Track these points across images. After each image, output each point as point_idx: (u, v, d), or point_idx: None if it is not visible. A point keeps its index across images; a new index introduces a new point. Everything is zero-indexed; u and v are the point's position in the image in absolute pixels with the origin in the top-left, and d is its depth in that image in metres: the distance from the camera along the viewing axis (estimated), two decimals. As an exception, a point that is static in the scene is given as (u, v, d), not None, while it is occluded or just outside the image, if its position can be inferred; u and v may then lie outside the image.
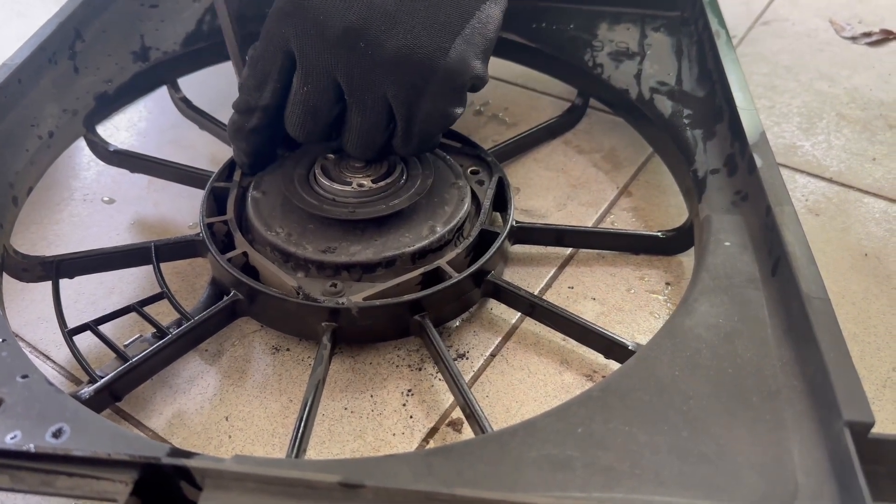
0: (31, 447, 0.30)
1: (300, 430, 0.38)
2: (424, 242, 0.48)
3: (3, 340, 0.37)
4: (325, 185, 0.50)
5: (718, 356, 0.36)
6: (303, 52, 0.44)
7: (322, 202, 0.49)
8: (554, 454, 0.31)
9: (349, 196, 0.48)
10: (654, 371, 0.35)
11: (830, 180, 0.62)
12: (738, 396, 0.34)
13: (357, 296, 0.45)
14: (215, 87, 0.72)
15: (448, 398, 0.46)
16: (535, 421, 0.33)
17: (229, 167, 0.55)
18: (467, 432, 0.44)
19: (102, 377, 0.41)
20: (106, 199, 0.63)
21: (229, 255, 0.47)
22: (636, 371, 0.36)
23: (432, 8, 0.43)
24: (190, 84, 0.67)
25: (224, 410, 0.45)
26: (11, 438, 0.31)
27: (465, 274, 0.47)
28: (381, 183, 0.49)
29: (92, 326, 0.44)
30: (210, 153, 0.66)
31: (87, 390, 0.40)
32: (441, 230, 0.49)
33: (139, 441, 0.32)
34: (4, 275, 0.47)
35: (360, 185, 0.49)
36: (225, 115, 0.64)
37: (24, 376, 0.35)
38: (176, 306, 0.45)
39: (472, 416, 0.40)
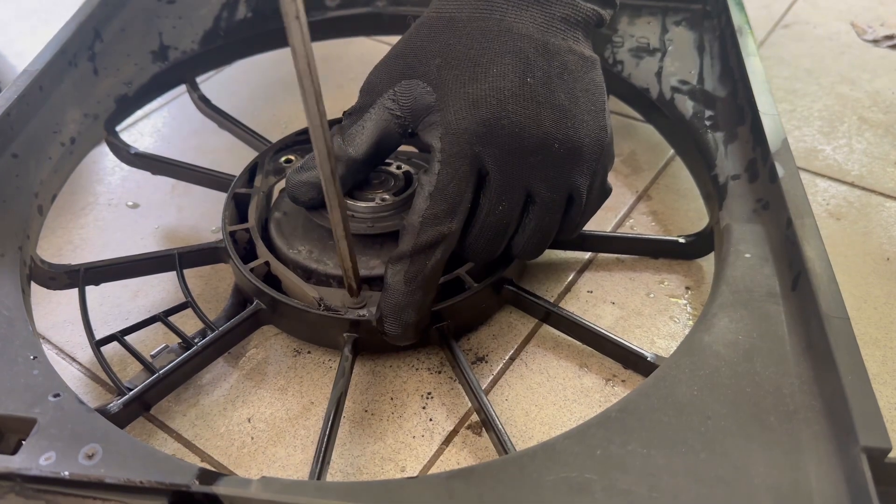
0: (66, 474, 0.31)
1: (323, 448, 0.39)
2: None
3: (34, 358, 0.38)
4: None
5: (737, 375, 0.36)
6: (502, 169, 0.42)
7: None
8: (573, 477, 0.32)
9: (368, 211, 0.48)
10: (672, 390, 0.36)
11: (852, 184, 0.61)
12: (757, 417, 0.34)
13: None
14: (234, 90, 0.73)
15: (468, 401, 0.46)
16: (555, 443, 0.33)
17: (249, 172, 0.55)
18: (487, 435, 0.44)
19: (131, 389, 0.42)
20: (130, 203, 0.64)
21: (251, 264, 0.48)
22: (655, 390, 0.36)
23: (586, 93, 0.44)
24: (210, 85, 0.68)
25: (246, 412, 0.46)
26: (46, 460, 0.32)
27: (484, 284, 0.47)
28: (401, 196, 0.49)
29: (119, 338, 0.45)
30: (233, 158, 0.66)
31: (116, 403, 0.40)
32: None
33: (169, 463, 0.33)
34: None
35: (384, 200, 0.49)
36: (247, 115, 0.65)
37: (56, 395, 0.36)
38: (201, 316, 0.46)
39: (492, 428, 0.41)
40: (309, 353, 0.50)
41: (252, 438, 0.45)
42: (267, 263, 0.48)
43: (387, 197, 0.49)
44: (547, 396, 0.46)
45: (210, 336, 0.45)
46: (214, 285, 0.55)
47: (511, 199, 0.43)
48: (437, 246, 0.42)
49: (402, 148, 0.52)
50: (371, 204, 0.48)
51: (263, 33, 0.67)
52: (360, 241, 0.48)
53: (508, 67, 0.42)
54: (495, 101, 0.41)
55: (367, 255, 0.48)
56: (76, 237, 0.60)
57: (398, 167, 0.51)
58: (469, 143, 0.41)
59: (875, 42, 0.78)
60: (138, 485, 0.30)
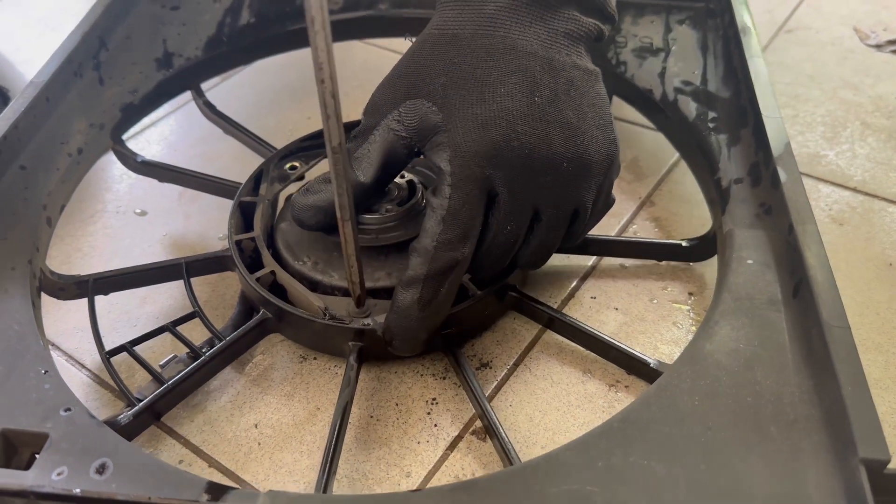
0: (78, 491, 0.31)
1: (329, 459, 0.39)
2: None
3: (46, 372, 0.39)
4: None
5: (738, 384, 0.36)
6: (511, 191, 0.42)
7: None
8: (575, 489, 0.32)
9: (373, 223, 0.49)
10: (674, 400, 0.36)
11: (855, 189, 0.61)
12: (757, 427, 0.34)
13: (382, 315, 0.46)
14: (240, 96, 0.73)
15: (472, 407, 0.47)
16: (557, 455, 0.34)
17: (255, 180, 0.56)
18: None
19: (141, 399, 0.42)
20: (138, 211, 0.64)
21: (257, 274, 0.48)
22: (656, 400, 0.36)
23: (593, 107, 0.43)
24: (216, 92, 0.68)
25: (253, 418, 0.47)
26: (58, 475, 0.33)
27: (488, 291, 0.47)
28: (406, 206, 0.50)
29: (128, 348, 0.45)
30: (239, 164, 0.66)
31: (126, 415, 0.41)
32: None
33: (178, 477, 0.33)
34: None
35: (388, 210, 0.49)
36: (252, 121, 0.65)
37: (67, 409, 0.36)
38: (208, 326, 0.47)
39: (495, 435, 0.42)
40: (315, 359, 0.50)
41: (259, 444, 0.45)
42: (273, 273, 0.49)
43: (391, 208, 0.49)
44: (551, 402, 0.47)
45: (217, 346, 0.46)
46: (221, 292, 0.55)
47: (519, 219, 0.43)
48: (450, 271, 0.42)
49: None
50: (376, 215, 0.49)
51: (267, 38, 0.68)
52: (365, 253, 0.48)
53: (515, 87, 0.41)
54: (504, 122, 0.41)
55: (373, 266, 0.48)
56: (85, 245, 0.61)
57: (401, 176, 0.52)
58: (479, 166, 0.41)
59: (878, 47, 0.78)
60: (148, 501, 0.31)
